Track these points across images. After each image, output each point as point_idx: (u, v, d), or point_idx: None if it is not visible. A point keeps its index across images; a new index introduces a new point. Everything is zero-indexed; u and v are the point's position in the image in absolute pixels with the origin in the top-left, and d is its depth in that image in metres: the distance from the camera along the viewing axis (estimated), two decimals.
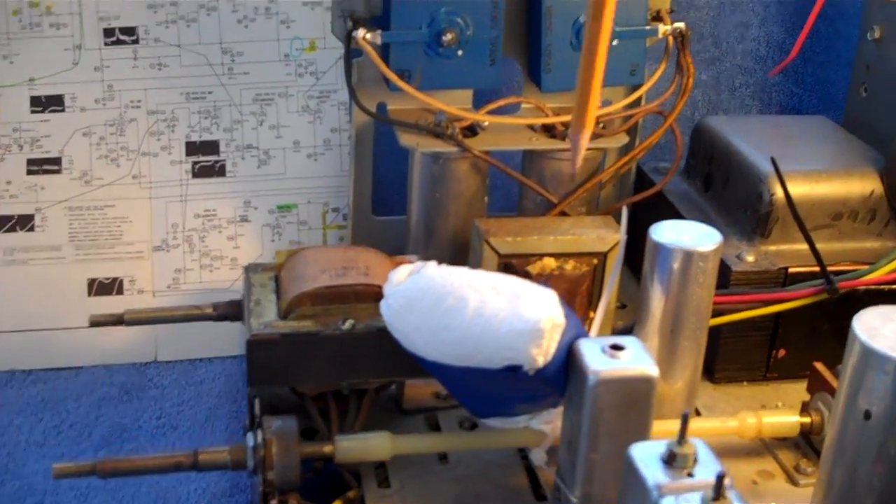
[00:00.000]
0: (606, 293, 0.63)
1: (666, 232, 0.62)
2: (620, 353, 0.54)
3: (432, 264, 0.58)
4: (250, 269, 0.68)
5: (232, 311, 0.70)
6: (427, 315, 0.56)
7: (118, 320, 0.70)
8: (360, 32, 0.73)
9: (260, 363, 0.61)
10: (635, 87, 0.79)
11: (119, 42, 0.85)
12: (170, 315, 0.72)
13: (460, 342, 0.55)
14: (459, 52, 0.74)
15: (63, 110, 0.85)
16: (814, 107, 1.02)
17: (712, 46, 0.99)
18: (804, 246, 0.68)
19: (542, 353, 0.54)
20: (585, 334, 0.57)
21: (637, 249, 0.67)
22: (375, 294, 0.61)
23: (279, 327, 0.61)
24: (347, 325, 0.62)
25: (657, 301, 0.63)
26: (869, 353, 0.49)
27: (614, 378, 0.53)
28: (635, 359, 0.54)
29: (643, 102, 0.80)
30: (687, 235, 0.62)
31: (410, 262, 0.69)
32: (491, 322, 0.55)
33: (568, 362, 0.55)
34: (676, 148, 0.80)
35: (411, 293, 0.57)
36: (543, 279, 0.71)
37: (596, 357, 0.54)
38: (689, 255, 0.61)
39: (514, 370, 0.55)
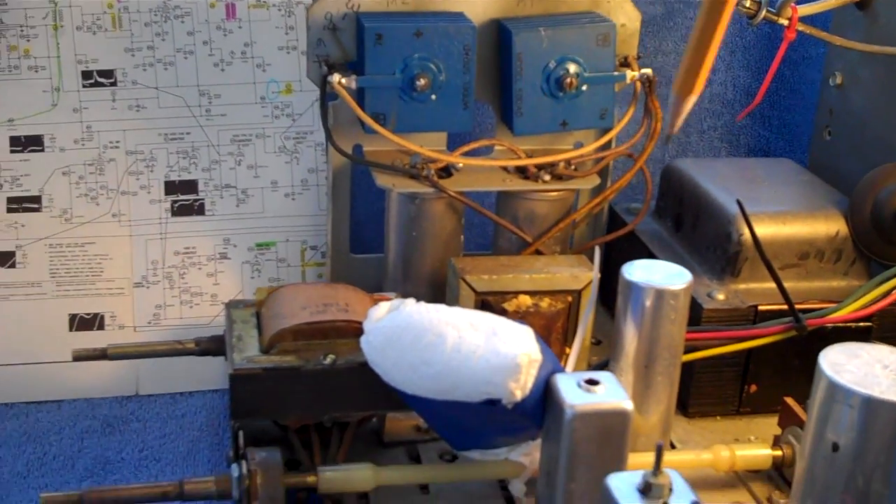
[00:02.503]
0: (581, 330, 0.65)
1: (637, 271, 0.64)
2: (596, 388, 0.55)
3: (411, 301, 0.60)
4: (231, 306, 0.69)
5: (214, 347, 0.71)
6: (406, 351, 0.58)
7: (101, 355, 0.71)
8: (336, 77, 0.74)
9: (243, 397, 0.62)
10: (605, 131, 0.81)
11: (97, 84, 0.87)
12: (153, 350, 0.73)
13: (439, 377, 0.57)
14: (433, 97, 0.76)
15: (42, 150, 0.86)
16: (781, 149, 1.04)
17: None
18: (773, 285, 0.70)
19: (520, 388, 0.55)
20: (561, 370, 0.58)
21: (610, 287, 0.69)
22: (355, 330, 0.63)
23: (261, 362, 0.63)
24: (328, 360, 0.63)
25: (631, 338, 0.64)
26: (835, 388, 0.51)
27: (590, 412, 0.54)
28: (610, 393, 0.55)
29: (614, 145, 0.82)
30: (658, 274, 0.64)
31: (389, 298, 0.71)
32: (469, 358, 0.56)
33: (545, 397, 0.57)
34: (647, 190, 0.82)
35: (391, 330, 0.58)
36: (519, 316, 0.73)
37: (572, 391, 0.55)
38: (660, 294, 0.63)
39: (492, 404, 0.56)
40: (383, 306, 0.60)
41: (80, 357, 0.71)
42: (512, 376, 0.55)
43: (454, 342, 0.57)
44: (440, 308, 0.59)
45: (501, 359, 0.55)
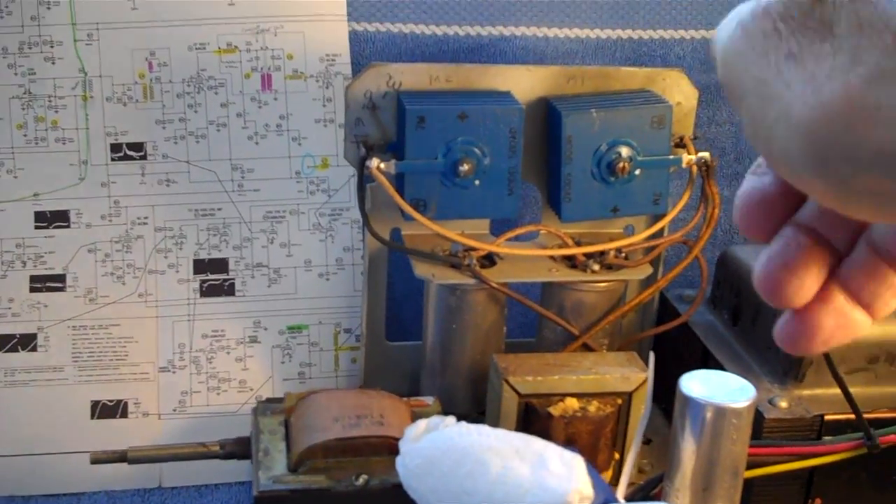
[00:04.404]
0: (634, 447, 0.60)
1: (696, 385, 0.59)
2: None
3: (451, 420, 0.55)
4: (259, 412, 0.65)
5: (240, 450, 0.67)
6: (446, 478, 0.53)
7: (121, 458, 0.68)
8: (374, 162, 0.70)
9: None
10: (658, 217, 0.77)
11: (126, 158, 0.83)
12: (175, 453, 0.69)
13: None
14: (476, 182, 0.71)
15: (68, 226, 0.83)
16: None
17: (734, 162, 0.97)
18: (840, 391, 0.65)
19: None
20: (613, 498, 0.54)
21: (659, 381, 0.64)
22: (391, 446, 0.58)
23: (289, 482, 0.58)
24: (361, 480, 0.59)
25: (688, 457, 0.59)
26: None
27: None
28: None
29: (666, 232, 0.77)
30: (719, 389, 0.58)
31: (427, 404, 0.67)
32: (515, 491, 0.51)
33: None
34: (702, 278, 0.77)
35: (429, 452, 0.54)
36: (566, 421, 0.68)
37: None
38: (721, 412, 0.57)
39: None
40: (421, 424, 0.56)
41: (98, 460, 0.67)
42: None
43: (498, 472, 0.52)
44: (483, 430, 0.54)
45: (550, 495, 0.51)
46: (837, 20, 0.30)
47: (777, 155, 0.32)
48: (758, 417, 0.66)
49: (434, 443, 0.54)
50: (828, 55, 0.30)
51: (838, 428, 0.66)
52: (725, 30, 0.33)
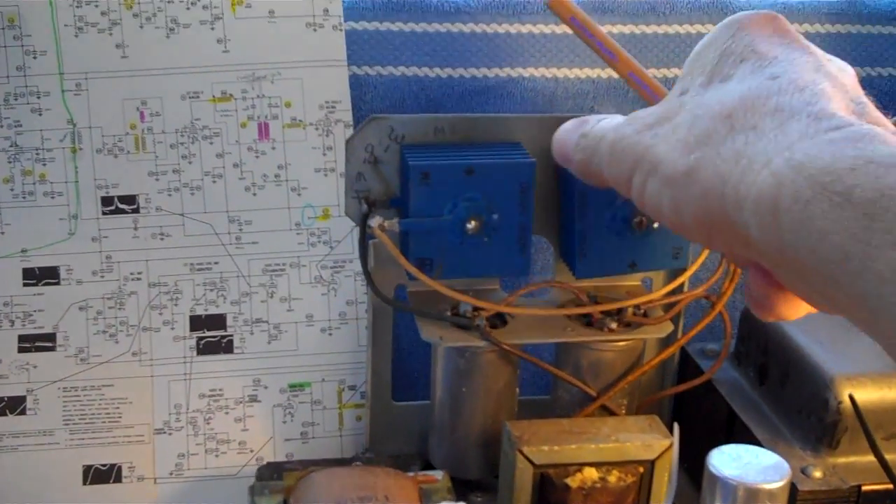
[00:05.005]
0: None
1: (726, 462, 0.55)
2: None
3: None
4: (255, 491, 0.61)
5: None
6: None
7: None
8: (376, 221, 0.66)
9: None
10: (678, 271, 0.73)
11: (118, 211, 0.79)
12: None
13: None
14: (485, 240, 0.67)
15: (58, 283, 0.79)
16: None
17: None
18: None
19: None
20: None
21: (682, 440, 0.61)
22: None
23: None
24: None
25: None
26: None
27: None
28: None
29: (686, 288, 0.73)
30: (751, 467, 0.55)
31: (436, 479, 0.63)
32: None
33: None
34: (725, 334, 0.73)
35: None
36: (584, 493, 0.64)
37: None
38: (753, 493, 0.54)
39: None
40: None
41: None
42: None
43: None
44: None
45: None
46: (694, 119, 0.47)
47: (650, 206, 0.49)
48: (791, 489, 0.62)
49: None
50: (681, 138, 0.47)
51: (876, 499, 0.62)
52: (606, 139, 0.53)
